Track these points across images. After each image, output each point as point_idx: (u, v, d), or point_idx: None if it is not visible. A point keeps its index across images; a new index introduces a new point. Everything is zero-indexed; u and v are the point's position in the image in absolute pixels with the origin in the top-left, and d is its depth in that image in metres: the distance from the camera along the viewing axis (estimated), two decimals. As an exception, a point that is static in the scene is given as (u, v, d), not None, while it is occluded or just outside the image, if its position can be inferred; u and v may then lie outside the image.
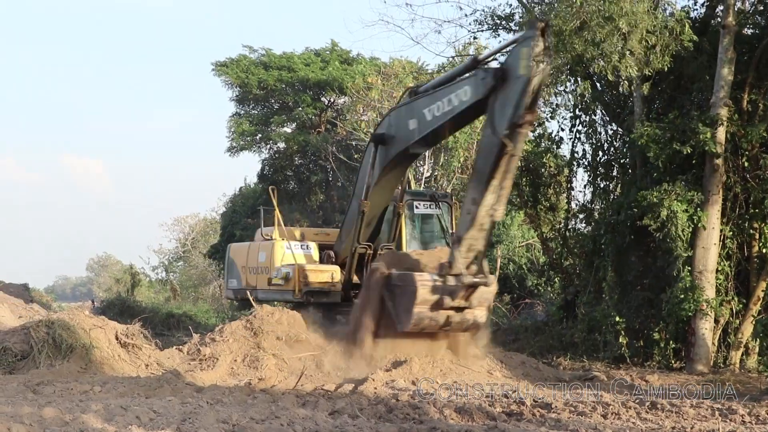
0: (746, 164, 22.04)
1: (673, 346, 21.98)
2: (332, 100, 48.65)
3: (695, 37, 20.67)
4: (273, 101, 50.65)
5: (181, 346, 20.32)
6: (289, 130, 50.27)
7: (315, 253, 22.29)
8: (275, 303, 22.60)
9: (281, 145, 50.18)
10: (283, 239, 22.33)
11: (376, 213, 21.17)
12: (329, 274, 21.74)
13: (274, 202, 22.31)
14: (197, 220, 67.28)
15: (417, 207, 23.28)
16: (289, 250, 22.08)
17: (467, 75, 18.21)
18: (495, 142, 16.86)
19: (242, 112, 51.60)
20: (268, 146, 51.04)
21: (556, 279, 31.11)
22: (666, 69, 20.82)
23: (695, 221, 21.21)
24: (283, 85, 48.55)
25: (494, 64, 18.23)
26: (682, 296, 20.95)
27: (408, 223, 23.12)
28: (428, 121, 18.96)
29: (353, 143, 44.05)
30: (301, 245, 22.24)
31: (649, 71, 20.68)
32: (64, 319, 18.48)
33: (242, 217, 46.89)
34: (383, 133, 20.36)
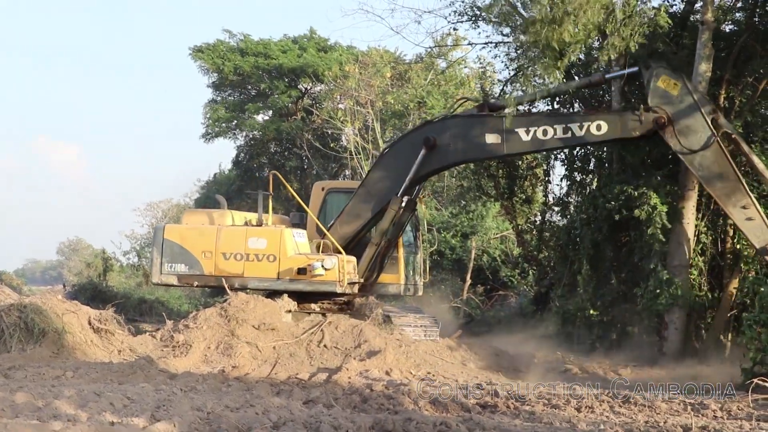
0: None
1: (647, 339, 22.06)
2: (308, 87, 48.56)
3: (669, 21, 20.64)
4: (249, 87, 50.52)
5: (154, 332, 20.18)
6: (264, 118, 50.17)
7: (307, 242, 21.78)
8: (257, 292, 21.81)
9: (257, 132, 50.07)
10: (286, 227, 21.90)
11: None
12: (353, 265, 21.47)
13: (271, 188, 22.09)
14: (170, 205, 66.97)
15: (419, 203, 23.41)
16: (295, 237, 21.42)
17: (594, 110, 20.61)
18: (714, 153, 19.31)
19: (218, 98, 51.44)
20: (244, 133, 50.93)
21: (530, 271, 31.15)
22: (635, 49, 20.74)
23: (671, 216, 21.28)
24: (260, 72, 48.42)
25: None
26: (658, 290, 21.03)
27: None
28: (524, 141, 20.38)
29: (329, 131, 43.98)
30: (299, 233, 21.78)
31: (614, 54, 20.64)
32: (37, 303, 18.33)
33: (216, 203, 46.65)
34: (436, 139, 20.94)
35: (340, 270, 20.63)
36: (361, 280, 21.57)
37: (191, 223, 22.43)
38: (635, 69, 20.56)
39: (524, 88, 20.29)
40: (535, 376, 19.13)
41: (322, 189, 23.43)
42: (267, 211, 21.94)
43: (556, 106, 25.45)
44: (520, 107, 21.34)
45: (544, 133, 20.08)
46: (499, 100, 22.83)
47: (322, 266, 20.57)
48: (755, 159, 19.88)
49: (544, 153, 26.91)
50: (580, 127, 19.95)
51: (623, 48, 18.97)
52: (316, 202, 23.11)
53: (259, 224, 21.67)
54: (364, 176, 25.01)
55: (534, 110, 22.35)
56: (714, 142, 19.25)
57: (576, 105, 25.57)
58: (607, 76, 21.43)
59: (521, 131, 20.03)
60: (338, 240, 21.48)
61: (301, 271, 20.80)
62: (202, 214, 22.99)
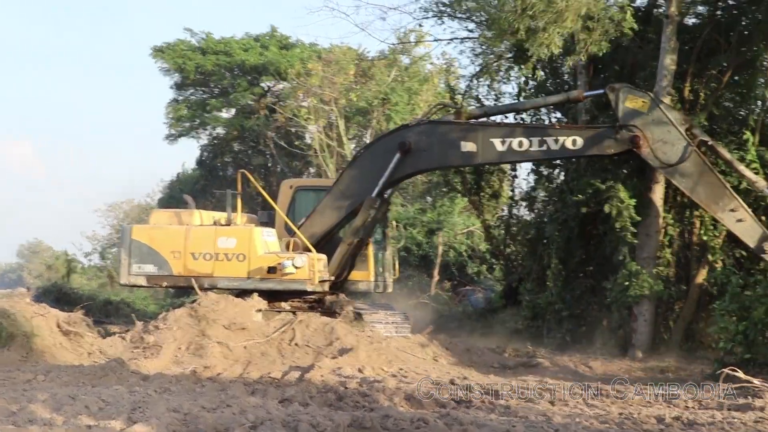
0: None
1: (617, 332, 22.21)
2: (271, 85, 48.45)
3: (635, 25, 20.83)
4: (212, 86, 50.34)
5: (123, 334, 20.04)
6: (227, 116, 50.01)
7: (277, 240, 21.61)
8: (226, 292, 21.69)
9: (220, 130, 49.91)
10: (255, 226, 21.86)
11: None
12: (323, 263, 21.36)
13: (240, 187, 21.97)
14: (132, 206, 66.57)
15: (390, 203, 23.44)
16: (263, 236, 21.33)
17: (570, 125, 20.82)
18: (694, 163, 19.42)
19: (180, 98, 51.21)
20: (207, 132, 50.75)
21: (497, 266, 31.25)
22: (602, 54, 20.97)
23: (639, 209, 21.42)
24: (222, 70, 48.27)
25: None
26: (626, 283, 21.17)
27: None
28: (499, 151, 20.41)
29: (293, 129, 43.91)
30: (268, 232, 21.68)
31: (584, 56, 20.90)
32: (5, 307, 18.18)
33: (180, 203, 46.45)
34: (411, 143, 20.95)
35: (310, 268, 20.56)
36: (332, 278, 21.53)
37: (159, 224, 22.27)
38: (601, 91, 20.70)
39: (489, 83, 20.30)
40: (506, 370, 19.21)
41: (290, 187, 23.36)
42: (236, 210, 21.84)
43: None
44: (495, 117, 21.51)
45: (520, 144, 20.11)
46: (477, 108, 22.92)
47: (293, 265, 20.47)
48: (735, 161, 20.03)
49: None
50: (556, 141, 19.98)
51: (592, 52, 19.14)
52: (284, 200, 23.03)
53: (228, 224, 21.57)
54: (336, 176, 25.03)
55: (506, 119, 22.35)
56: (692, 153, 19.34)
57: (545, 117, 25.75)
58: (585, 94, 21.50)
59: (497, 141, 20.12)
60: (308, 238, 21.39)
61: (272, 270, 20.70)
62: (170, 214, 22.76)
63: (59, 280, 41.96)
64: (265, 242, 21.15)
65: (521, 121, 23.99)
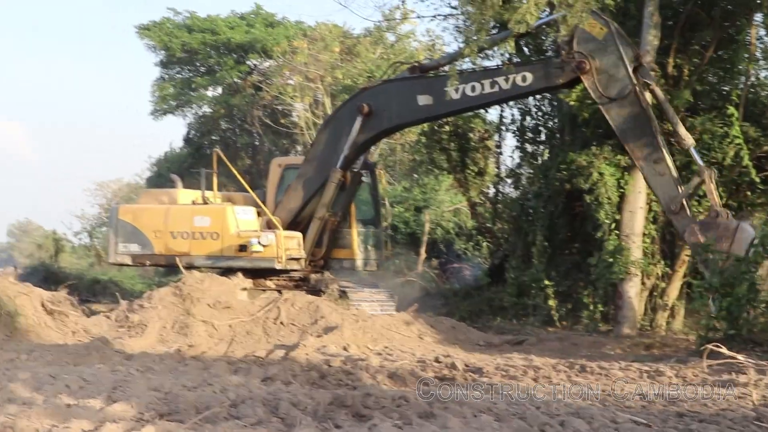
0: (671, 128, 22.22)
1: (601, 309, 22.24)
2: (257, 63, 48.30)
3: None
4: (198, 64, 50.19)
5: (108, 313, 20.02)
6: (213, 94, 49.90)
7: (255, 219, 21.71)
8: (212, 270, 21.77)
9: (207, 109, 49.80)
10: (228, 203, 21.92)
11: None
12: (296, 241, 21.46)
13: (216, 165, 22.00)
14: (121, 185, 66.47)
15: (363, 175, 23.22)
16: (239, 215, 21.49)
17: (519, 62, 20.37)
18: (631, 103, 18.71)
19: (166, 76, 51.08)
20: (193, 110, 50.64)
21: (484, 243, 31.26)
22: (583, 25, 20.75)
23: (622, 185, 21.41)
24: (208, 48, 48.11)
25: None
26: (611, 260, 21.17)
27: None
28: (454, 99, 19.98)
29: (279, 107, 43.78)
30: (245, 210, 21.71)
31: (565, 30, 20.64)
32: (-13, 286, 18.10)
33: (167, 182, 46.38)
34: (370, 105, 20.76)
35: (278, 246, 20.63)
36: (304, 255, 21.48)
37: (146, 203, 22.63)
38: (563, 13, 20.16)
39: (470, 58, 20.03)
40: (492, 348, 19.24)
41: (279, 165, 23.39)
42: (211, 189, 22.05)
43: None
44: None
45: (473, 89, 19.80)
46: (430, 61, 22.69)
47: (259, 242, 20.70)
48: (671, 112, 19.33)
49: (494, 123, 27.08)
50: (506, 80, 19.64)
51: (573, 24, 18.82)
52: (273, 178, 23.07)
53: (204, 202, 21.71)
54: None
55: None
56: (631, 91, 18.71)
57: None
58: (535, 24, 20.84)
59: (451, 90, 19.71)
60: (287, 215, 21.55)
61: (242, 248, 20.98)
62: (158, 194, 23.27)
63: (47, 260, 41.91)
64: (238, 220, 21.31)
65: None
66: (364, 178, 23.32)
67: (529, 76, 19.51)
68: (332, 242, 22.47)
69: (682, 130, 19.02)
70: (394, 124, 21.96)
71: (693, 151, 19.05)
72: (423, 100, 20.44)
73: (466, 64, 20.10)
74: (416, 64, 21.78)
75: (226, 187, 25.39)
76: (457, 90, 19.73)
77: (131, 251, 22.15)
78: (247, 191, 22.38)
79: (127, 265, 23.37)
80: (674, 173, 18.77)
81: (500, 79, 19.69)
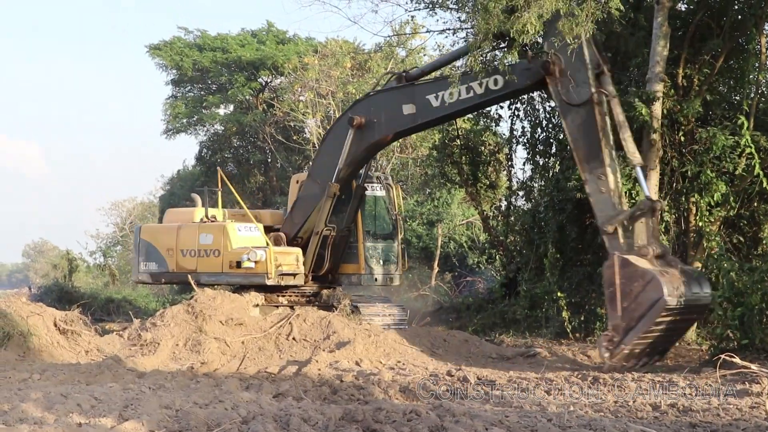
0: (682, 139, 22.13)
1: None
2: (269, 80, 48.42)
3: (622, 7, 20.56)
4: (210, 82, 50.35)
5: (121, 332, 20.09)
6: (225, 112, 50.02)
7: (262, 235, 21.72)
8: (219, 286, 21.92)
9: (219, 126, 49.94)
10: (232, 221, 22.10)
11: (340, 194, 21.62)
12: (294, 256, 21.52)
13: (220, 184, 22.20)
14: (135, 204, 66.71)
15: (367, 189, 23.20)
16: (240, 232, 21.70)
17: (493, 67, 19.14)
18: (588, 112, 18.21)
19: (178, 94, 51.27)
20: (205, 128, 50.79)
21: (497, 256, 31.21)
22: (589, 35, 20.65)
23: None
24: (219, 66, 48.26)
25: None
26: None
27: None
28: (435, 107, 19.95)
29: (291, 124, 43.87)
30: (249, 227, 21.83)
31: (570, 39, 20.56)
32: (1, 306, 18.18)
33: (180, 200, 46.52)
34: (362, 117, 20.84)
35: (269, 262, 20.75)
36: (302, 271, 21.49)
37: (170, 222, 23.28)
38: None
39: (472, 69, 19.86)
40: (505, 361, 19.20)
41: (297, 182, 23.42)
42: (215, 206, 22.62)
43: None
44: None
45: (450, 95, 19.65)
46: (416, 69, 22.61)
47: (248, 258, 20.91)
48: (624, 127, 18.56)
49: (505, 136, 27.05)
50: (480, 85, 19.39)
51: (574, 34, 18.73)
52: (292, 194, 23.16)
53: (210, 220, 22.23)
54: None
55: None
56: (588, 101, 18.23)
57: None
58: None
59: (431, 97, 19.80)
60: (291, 229, 21.66)
61: (238, 264, 21.20)
62: (181, 213, 23.99)
63: (62, 280, 42.04)
64: (239, 237, 21.57)
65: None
66: (377, 192, 23.34)
67: (500, 80, 19.21)
68: (338, 257, 22.44)
69: (630, 147, 18.39)
70: (383, 134, 21.54)
71: (639, 174, 18.40)
72: (407, 109, 20.43)
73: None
74: (403, 74, 21.67)
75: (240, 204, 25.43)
76: (437, 97, 19.82)
77: (150, 270, 22.80)
78: (242, 207, 22.62)
79: (149, 283, 24.28)
80: (615, 193, 18.22)
81: (474, 84, 19.49)
